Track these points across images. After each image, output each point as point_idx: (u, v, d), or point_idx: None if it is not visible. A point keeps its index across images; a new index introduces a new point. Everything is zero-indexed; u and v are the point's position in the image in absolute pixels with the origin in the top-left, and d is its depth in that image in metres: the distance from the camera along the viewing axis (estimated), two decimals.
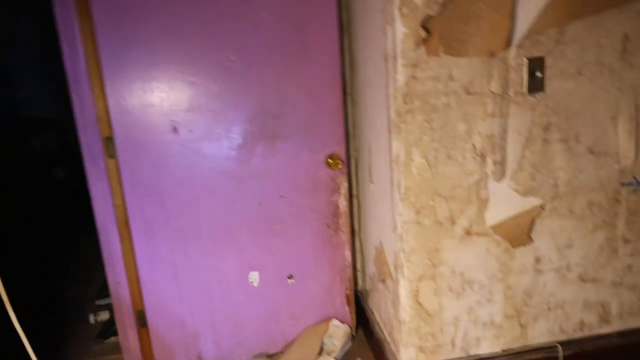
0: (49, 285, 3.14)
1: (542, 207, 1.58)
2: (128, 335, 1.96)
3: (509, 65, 1.43)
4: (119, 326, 1.96)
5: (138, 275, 1.91)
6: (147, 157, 1.80)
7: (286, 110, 1.86)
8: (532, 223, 1.59)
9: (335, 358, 1.98)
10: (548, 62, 1.44)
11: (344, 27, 1.95)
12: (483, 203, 1.56)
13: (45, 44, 5.00)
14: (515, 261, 1.63)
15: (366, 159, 1.92)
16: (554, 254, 1.64)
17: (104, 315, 2.54)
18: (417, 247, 1.56)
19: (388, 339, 1.85)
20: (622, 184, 1.59)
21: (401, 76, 1.42)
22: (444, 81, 1.43)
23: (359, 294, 2.28)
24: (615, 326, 1.75)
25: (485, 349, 1.69)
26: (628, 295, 1.73)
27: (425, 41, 1.38)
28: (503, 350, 1.70)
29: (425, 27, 1.37)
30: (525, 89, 1.45)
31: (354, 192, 2.17)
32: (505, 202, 1.57)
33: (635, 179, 1.59)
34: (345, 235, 2.05)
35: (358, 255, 2.26)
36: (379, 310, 1.97)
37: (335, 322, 2.10)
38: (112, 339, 2.30)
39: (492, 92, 1.45)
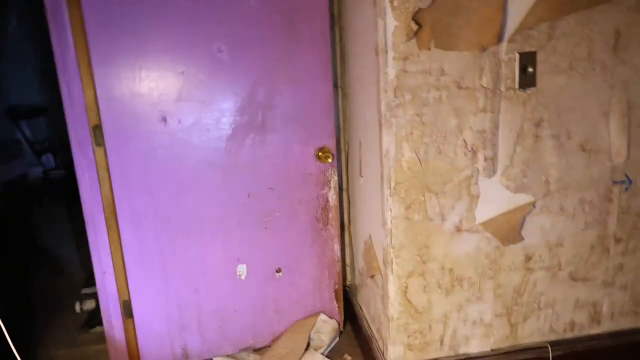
0: (34, 273, 3.17)
1: (533, 205, 1.61)
2: (113, 326, 1.99)
3: (501, 60, 1.46)
4: (104, 316, 1.99)
5: (124, 265, 1.93)
6: (135, 146, 1.82)
7: (276, 102, 1.88)
8: (522, 220, 1.62)
9: (322, 354, 2.02)
10: (540, 57, 1.46)
11: (335, 20, 1.97)
12: (474, 199, 1.58)
13: (37, 33, 5.02)
14: (505, 259, 1.65)
15: (356, 152, 1.94)
16: (545, 252, 1.67)
17: (89, 304, 2.57)
18: (407, 243, 1.59)
19: (376, 335, 1.88)
20: (614, 182, 1.62)
21: (392, 69, 1.44)
22: (435, 75, 1.45)
23: (348, 288, 2.31)
24: (607, 326, 1.78)
25: (474, 348, 1.72)
26: (619, 295, 1.76)
27: (416, 34, 1.40)
28: (492, 350, 1.73)
29: (416, 20, 1.39)
30: (516, 84, 1.47)
31: (344, 185, 2.19)
32: (496, 198, 1.59)
33: (627, 176, 1.62)
34: (334, 230, 2.08)
35: (347, 250, 2.29)
36: (368, 306, 2.00)
37: (323, 317, 2.13)
38: (98, 328, 2.33)
39: (483, 86, 1.47)
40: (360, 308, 2.12)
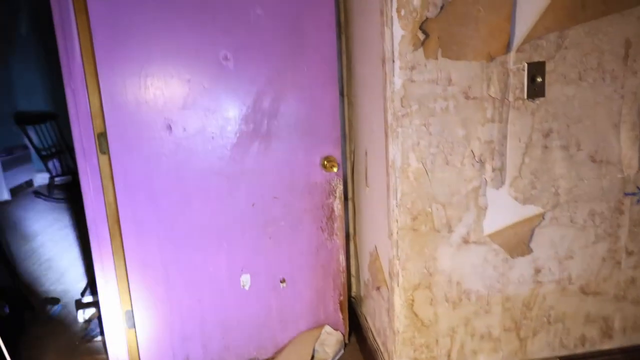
0: (39, 279, 3.17)
1: (542, 216, 1.59)
2: (114, 336, 1.98)
3: (509, 70, 1.45)
4: (105, 326, 1.98)
5: (127, 274, 1.93)
6: (140, 154, 1.83)
7: (282, 110, 1.88)
8: (531, 232, 1.60)
9: None
10: (548, 66, 1.45)
11: (342, 28, 1.97)
12: (481, 211, 1.57)
13: (46, 40, 5.09)
14: (514, 271, 1.63)
15: (362, 162, 1.93)
16: (555, 265, 1.64)
17: (93, 313, 2.57)
18: (413, 255, 1.57)
19: (381, 348, 1.85)
20: (626, 194, 1.60)
21: (398, 79, 1.43)
22: (443, 85, 1.45)
23: (353, 299, 2.29)
24: (618, 342, 1.75)
25: None
26: (631, 310, 1.72)
27: (423, 43, 1.40)
28: None
29: (423, 29, 1.39)
30: (525, 94, 1.46)
31: (350, 195, 2.18)
32: (504, 210, 1.57)
33: (638, 188, 1.60)
34: (339, 240, 2.07)
35: (353, 260, 2.27)
36: (373, 318, 1.98)
37: (327, 328, 2.11)
38: (100, 337, 2.33)
39: (491, 96, 1.46)
40: (366, 320, 2.10)
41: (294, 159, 1.94)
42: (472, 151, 1.51)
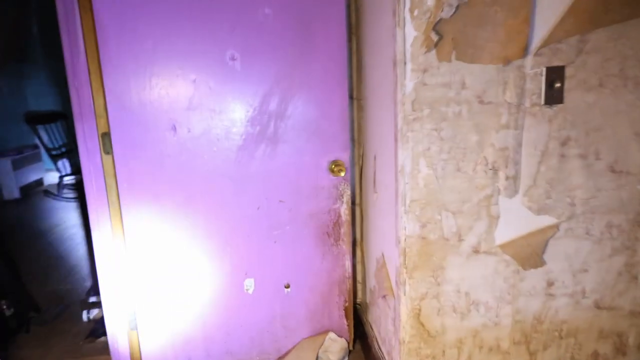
0: (45, 278, 3.14)
1: (556, 227, 1.50)
2: (117, 337, 1.93)
3: (526, 74, 1.37)
4: (108, 327, 1.93)
5: (130, 276, 1.88)
6: (143, 155, 1.77)
7: (289, 112, 1.82)
8: (545, 244, 1.52)
9: None
10: (568, 72, 1.37)
11: (352, 29, 1.90)
12: (493, 220, 1.49)
13: (57, 40, 5.08)
14: (525, 283, 1.55)
15: (371, 167, 1.86)
16: (568, 278, 1.56)
17: (97, 313, 2.53)
18: (421, 264, 1.50)
19: (387, 357, 1.78)
20: None
21: (410, 82, 1.36)
22: (456, 88, 1.37)
23: (358, 306, 2.22)
24: (632, 359, 1.66)
25: None
26: None
27: (436, 45, 1.33)
28: None
29: (437, 30, 1.31)
30: (542, 100, 1.38)
31: (357, 200, 2.11)
32: (517, 220, 1.49)
33: None
34: (346, 245, 2.00)
35: (359, 267, 2.20)
36: (378, 326, 1.91)
37: (332, 335, 2.04)
38: (104, 338, 2.28)
39: (506, 102, 1.39)
40: (371, 327, 2.03)
41: (301, 162, 1.87)
42: (485, 158, 1.43)
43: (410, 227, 1.47)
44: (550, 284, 1.56)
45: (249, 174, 1.84)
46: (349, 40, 1.88)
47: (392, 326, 1.66)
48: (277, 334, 2.01)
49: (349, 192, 1.94)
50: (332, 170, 1.89)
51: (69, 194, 4.88)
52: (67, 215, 4.50)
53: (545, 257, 1.53)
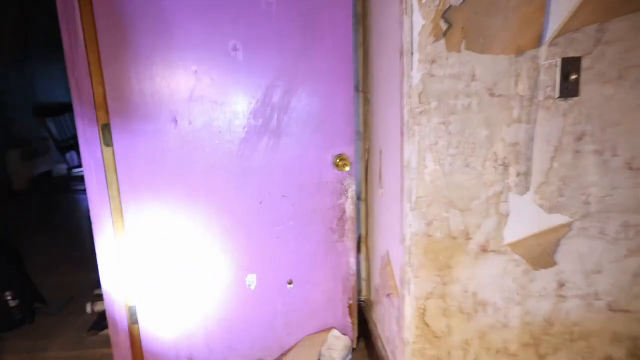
0: (52, 270, 3.14)
1: (569, 227, 1.44)
2: (118, 331, 1.91)
3: (540, 66, 1.30)
4: (109, 321, 1.91)
5: (131, 270, 1.85)
6: (144, 148, 1.74)
7: (293, 105, 1.76)
8: (557, 243, 1.45)
9: None
10: (585, 63, 1.29)
11: (359, 19, 1.83)
12: (503, 218, 1.43)
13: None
14: (535, 284, 1.49)
15: (377, 162, 1.80)
16: (581, 280, 1.49)
17: (100, 306, 2.51)
18: (427, 263, 1.45)
19: (390, 357, 1.73)
20: None
21: (417, 73, 1.30)
22: (465, 80, 1.30)
23: (363, 304, 2.18)
24: None
25: None
26: None
27: (445, 34, 1.26)
28: None
29: (446, 19, 1.25)
30: (557, 93, 1.31)
31: (363, 196, 2.06)
32: (527, 218, 1.43)
33: None
34: (350, 242, 1.94)
35: (364, 264, 2.15)
36: (383, 325, 1.86)
37: (335, 332, 2.00)
38: (106, 331, 2.27)
39: (519, 95, 1.32)
40: (375, 326, 1.98)
41: (305, 157, 1.82)
42: (495, 153, 1.37)
43: (416, 224, 1.41)
44: (561, 285, 1.49)
45: (251, 168, 1.80)
46: (356, 30, 1.81)
47: (397, 326, 1.61)
48: (280, 331, 1.97)
49: (354, 187, 1.89)
50: (336, 165, 1.83)
51: (78, 185, 4.89)
52: (75, 207, 4.51)
53: (557, 257, 1.46)
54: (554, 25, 1.26)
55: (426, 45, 1.27)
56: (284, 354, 1.99)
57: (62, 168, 5.26)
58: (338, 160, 1.83)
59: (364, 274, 2.16)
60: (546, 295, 1.50)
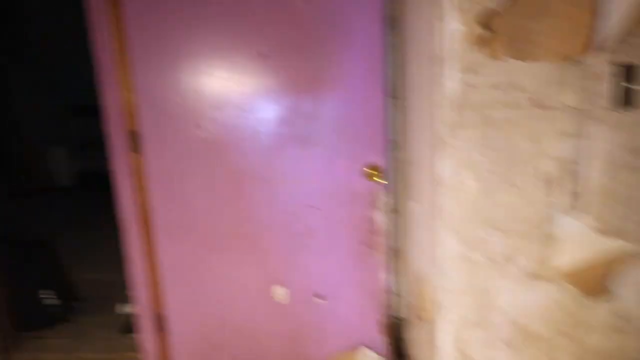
0: (90, 267, 3.28)
1: (628, 252, 1.31)
2: (147, 337, 1.96)
3: (591, 74, 1.18)
4: (138, 326, 1.96)
5: (159, 276, 1.89)
6: (171, 154, 1.76)
7: (322, 111, 1.73)
8: (613, 270, 1.33)
9: None
10: None
11: (393, 22, 1.76)
12: (549, 240, 1.33)
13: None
14: (588, 315, 1.38)
15: (411, 173, 1.74)
16: None
17: (131, 308, 2.59)
18: (463, 287, 1.37)
19: None
20: None
21: (452, 82, 1.23)
22: (507, 90, 1.22)
23: (396, 321, 2.11)
24: None
25: None
26: None
27: (484, 41, 1.18)
28: None
29: (485, 24, 1.16)
30: (611, 104, 1.19)
31: (396, 207, 1.99)
32: (578, 241, 1.32)
33: None
34: (382, 256, 1.89)
35: (398, 279, 2.08)
36: (416, 346, 1.80)
37: (366, 351, 1.95)
38: (135, 334, 2.34)
39: (567, 105, 1.21)
40: (411, 346, 1.92)
41: (334, 166, 1.78)
42: (541, 170, 1.27)
43: (451, 245, 1.34)
44: (619, 317, 1.37)
45: (278, 177, 1.78)
46: (389, 34, 1.74)
47: (429, 351, 1.55)
48: (308, 346, 1.95)
49: (385, 198, 1.83)
50: (367, 175, 1.78)
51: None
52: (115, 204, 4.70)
53: (614, 286, 1.34)
54: (607, 29, 1.15)
55: (463, 52, 1.20)
56: None
57: (105, 165, 5.51)
58: (369, 170, 1.78)
59: (397, 289, 2.10)
60: (600, 328, 1.38)
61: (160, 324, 1.93)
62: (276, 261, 1.87)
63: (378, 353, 1.96)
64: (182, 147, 1.75)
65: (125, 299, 2.69)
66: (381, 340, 1.97)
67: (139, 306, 1.93)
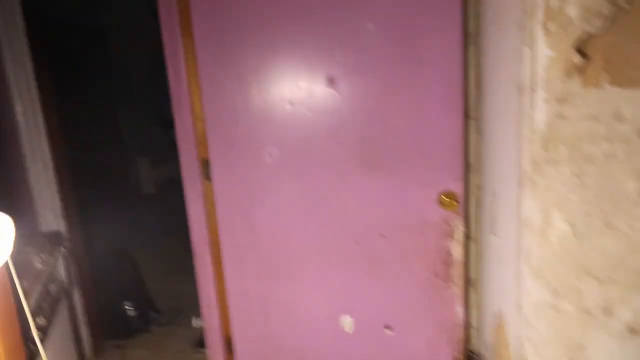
0: (168, 276, 3.42)
1: None
2: (216, 358, 2.00)
3: None
4: (208, 347, 2.01)
5: (227, 301, 1.92)
6: (240, 182, 1.78)
7: (392, 136, 1.65)
8: None
9: None
10: None
11: (471, 37, 1.63)
12: None
13: None
14: None
15: (489, 203, 1.60)
16: None
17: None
18: (552, 339, 1.23)
19: None
20: None
21: (542, 114, 1.09)
22: (607, 122, 1.06)
23: (475, 356, 1.97)
24: None
25: None
26: None
27: (580, 68, 1.04)
28: None
29: (582, 49, 1.02)
30: None
31: (473, 234, 1.85)
32: None
33: None
34: (457, 288, 1.77)
35: (473, 310, 1.94)
36: None
37: None
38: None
39: None
40: None
41: (405, 193, 1.69)
42: None
43: (536, 292, 1.21)
44: None
45: (346, 204, 1.73)
46: (467, 49, 1.62)
47: None
48: None
49: (461, 227, 1.70)
50: (441, 203, 1.67)
51: None
52: None
53: None
54: None
55: (554, 81, 1.06)
56: None
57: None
58: (443, 198, 1.66)
59: (474, 322, 1.95)
60: None
61: (227, 345, 1.96)
62: (342, 289, 1.82)
63: None
64: (250, 174, 1.76)
65: (199, 312, 2.78)
66: None
67: (209, 327, 1.97)
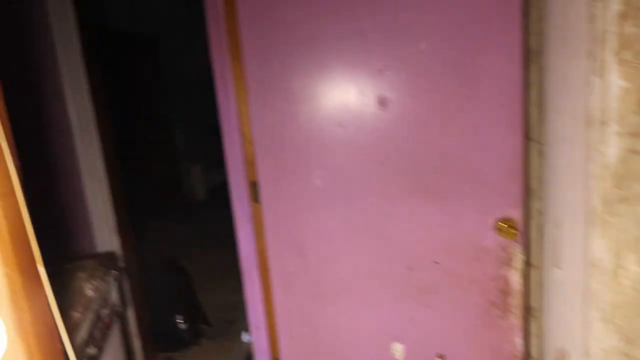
0: (217, 286, 3.51)
1: None
2: None
3: None
4: None
5: (275, 322, 1.94)
6: (288, 205, 1.79)
7: (445, 158, 1.60)
8: None
9: None
10: None
11: (533, 54, 1.55)
12: None
13: None
14: None
15: (552, 233, 1.51)
16: None
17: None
18: None
19: None
20: None
21: (613, 149, 1.02)
22: None
23: None
24: None
25: None
26: None
27: None
28: None
29: None
30: None
31: (533, 261, 1.76)
32: None
33: None
34: (516, 319, 1.69)
35: (534, 340, 1.85)
36: None
37: None
38: None
39: None
40: None
41: (460, 219, 1.64)
42: None
43: (607, 339, 1.13)
44: None
45: (397, 230, 1.70)
46: (528, 67, 1.54)
47: None
48: None
49: (521, 255, 1.62)
50: (499, 230, 1.60)
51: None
52: None
53: None
54: None
55: (628, 114, 0.99)
56: None
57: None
58: (501, 225, 1.59)
59: (534, 353, 1.86)
60: None
61: None
62: (394, 315, 1.79)
63: None
64: (299, 197, 1.77)
65: (247, 326, 2.84)
66: None
67: (257, 347, 2.01)
